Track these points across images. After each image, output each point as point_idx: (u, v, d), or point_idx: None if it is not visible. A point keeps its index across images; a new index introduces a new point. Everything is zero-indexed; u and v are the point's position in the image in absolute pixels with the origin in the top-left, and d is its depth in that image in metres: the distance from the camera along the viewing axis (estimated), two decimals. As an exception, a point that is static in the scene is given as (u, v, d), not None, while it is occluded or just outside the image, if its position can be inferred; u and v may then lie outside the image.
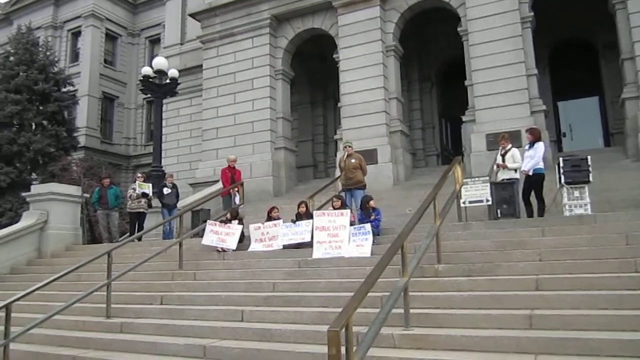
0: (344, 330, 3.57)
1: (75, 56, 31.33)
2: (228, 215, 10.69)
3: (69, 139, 24.24)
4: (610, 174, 11.13)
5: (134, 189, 13.11)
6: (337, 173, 13.13)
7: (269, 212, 10.27)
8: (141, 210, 13.05)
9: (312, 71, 21.17)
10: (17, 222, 13.25)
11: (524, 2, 14.39)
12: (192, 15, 19.90)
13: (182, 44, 23.44)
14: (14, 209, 20.44)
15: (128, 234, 13.31)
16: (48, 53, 25.25)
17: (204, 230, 10.16)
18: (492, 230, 8.36)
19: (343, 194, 10.94)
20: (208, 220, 10.43)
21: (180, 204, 13.69)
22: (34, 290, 7.16)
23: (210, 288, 8.23)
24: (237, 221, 10.34)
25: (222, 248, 9.82)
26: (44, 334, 7.35)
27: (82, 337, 7.19)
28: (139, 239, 11.80)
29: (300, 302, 6.97)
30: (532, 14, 14.38)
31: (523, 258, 6.87)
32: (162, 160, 16.54)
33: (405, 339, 5.26)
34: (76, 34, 31.44)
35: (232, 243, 9.83)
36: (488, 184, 9.22)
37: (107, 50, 31.50)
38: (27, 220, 12.42)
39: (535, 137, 9.74)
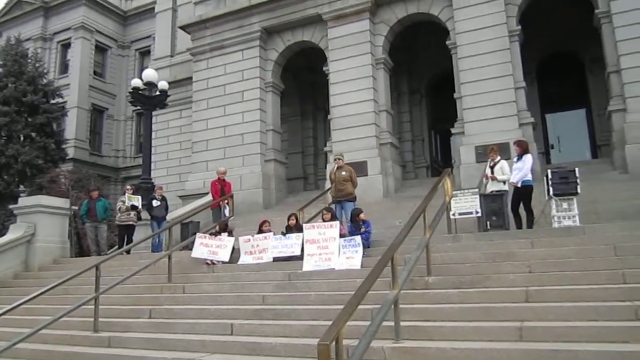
0: (334, 343, 3.55)
1: (64, 68, 31.17)
2: (217, 228, 10.64)
3: (58, 150, 24.08)
4: (598, 186, 11.22)
5: (123, 202, 13.04)
6: (327, 185, 13.16)
7: (260, 225, 10.22)
8: (130, 222, 12.99)
9: (302, 83, 21.28)
10: (4, 234, 13.10)
11: (511, 15, 14.61)
12: (182, 28, 19.93)
13: (172, 56, 23.44)
14: (0, 222, 20.21)
15: (117, 246, 13.21)
16: (37, 65, 25.15)
17: (193, 242, 10.09)
18: (482, 242, 8.37)
19: (333, 206, 10.92)
20: (197, 233, 10.35)
21: (169, 217, 13.65)
22: (20, 304, 7.07)
23: (199, 301, 8.16)
24: (226, 234, 10.28)
25: (212, 261, 9.75)
26: (31, 349, 7.21)
27: (69, 351, 7.07)
28: (128, 251, 11.70)
29: (290, 315, 6.92)
30: (519, 27, 14.60)
31: (512, 270, 6.88)
32: (152, 172, 16.51)
33: (395, 352, 5.23)
34: (66, 46, 31.34)
35: (223, 255, 9.76)
36: (477, 196, 9.28)
37: (96, 62, 31.41)
38: (14, 232, 12.27)
39: (523, 149, 9.81)
